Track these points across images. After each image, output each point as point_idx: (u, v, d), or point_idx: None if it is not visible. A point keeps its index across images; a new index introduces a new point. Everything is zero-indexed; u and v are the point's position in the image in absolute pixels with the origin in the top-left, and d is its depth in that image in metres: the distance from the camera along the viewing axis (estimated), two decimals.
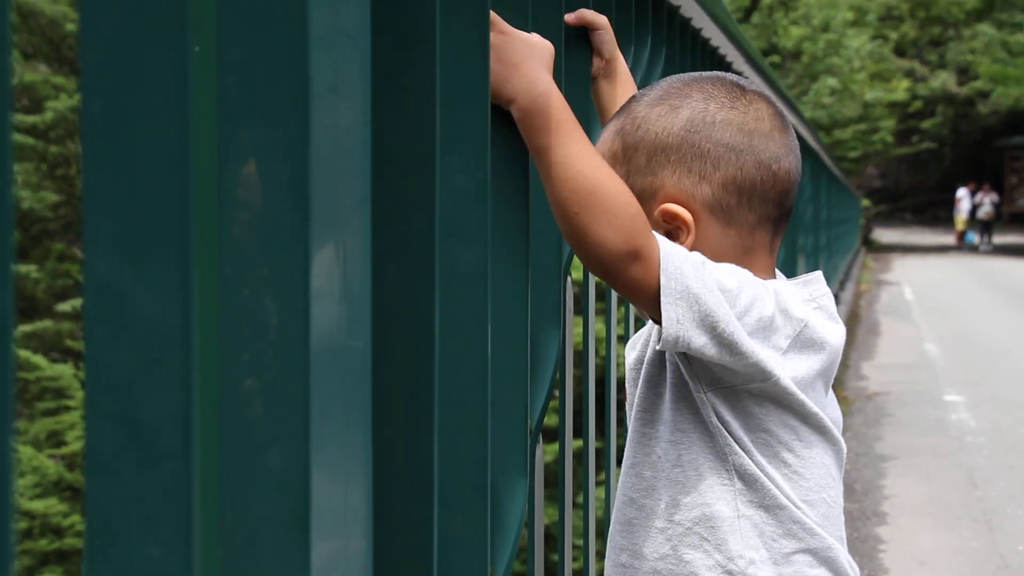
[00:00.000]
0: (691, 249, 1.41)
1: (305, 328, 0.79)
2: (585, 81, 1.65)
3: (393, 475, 1.02)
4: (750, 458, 1.41)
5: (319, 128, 0.83)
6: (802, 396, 1.41)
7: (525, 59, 1.33)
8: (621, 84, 1.67)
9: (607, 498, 2.21)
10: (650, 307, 1.34)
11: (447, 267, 1.11)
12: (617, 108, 1.64)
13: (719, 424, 1.41)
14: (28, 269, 12.74)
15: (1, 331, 0.55)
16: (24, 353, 11.77)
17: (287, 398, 0.78)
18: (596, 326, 4.63)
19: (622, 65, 1.68)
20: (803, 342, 1.41)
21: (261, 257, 0.81)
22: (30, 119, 12.75)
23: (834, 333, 1.45)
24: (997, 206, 30.88)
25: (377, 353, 1.00)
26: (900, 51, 31.41)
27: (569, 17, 1.60)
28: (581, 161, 1.32)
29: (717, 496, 1.42)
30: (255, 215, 0.82)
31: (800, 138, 1.53)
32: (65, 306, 12.33)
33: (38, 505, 10.38)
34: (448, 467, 1.11)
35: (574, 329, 1.95)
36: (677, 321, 1.32)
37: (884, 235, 31.54)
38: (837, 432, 1.47)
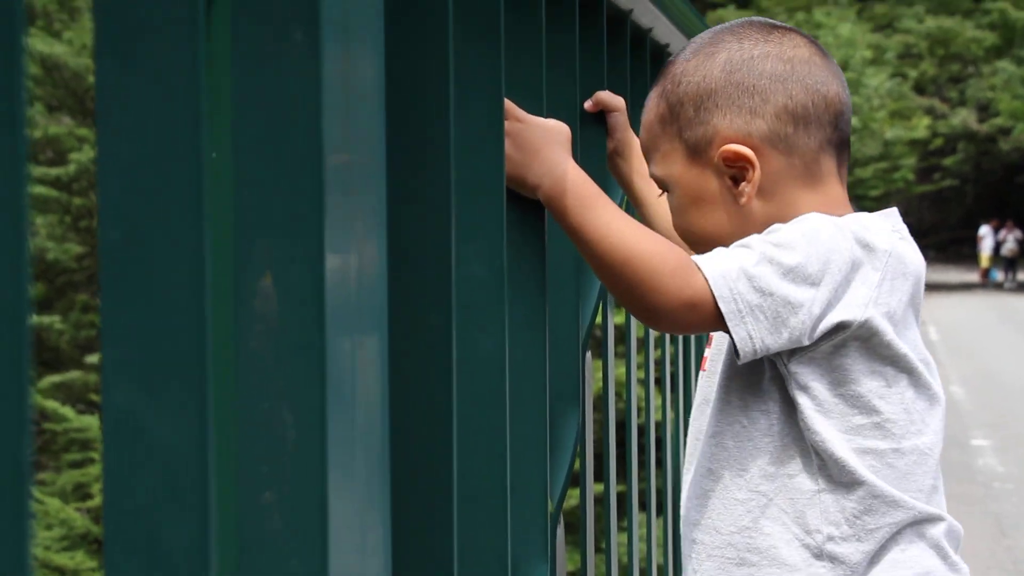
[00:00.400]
0: (759, 186, 1.43)
1: (322, 438, 0.80)
2: (601, 153, 1.66)
3: (413, 571, 1.02)
4: (833, 430, 1.38)
5: (334, 239, 0.84)
6: (890, 336, 1.38)
7: (544, 145, 1.35)
8: (636, 159, 1.69)
9: (629, 543, 2.20)
10: (723, 331, 1.36)
11: (464, 358, 1.12)
12: (634, 182, 1.65)
13: (802, 393, 1.38)
14: (52, 320, 12.81)
15: (17, 368, 0.56)
16: (51, 404, 11.82)
17: (305, 509, 0.79)
18: (617, 369, 4.62)
19: (636, 142, 1.70)
20: (892, 272, 1.39)
21: (277, 369, 0.82)
22: (54, 171, 12.85)
23: (917, 259, 1.44)
24: (1021, 243, 30.75)
25: (395, 449, 1.01)
26: (920, 88, 31.42)
27: (588, 104, 1.62)
28: (612, 233, 1.34)
29: (799, 468, 1.40)
30: (271, 327, 0.83)
31: None
32: (92, 358, 12.39)
33: (65, 559, 10.39)
34: (468, 559, 1.11)
35: (595, 374, 1.95)
36: (750, 338, 1.34)
37: None
38: (930, 374, 1.44)
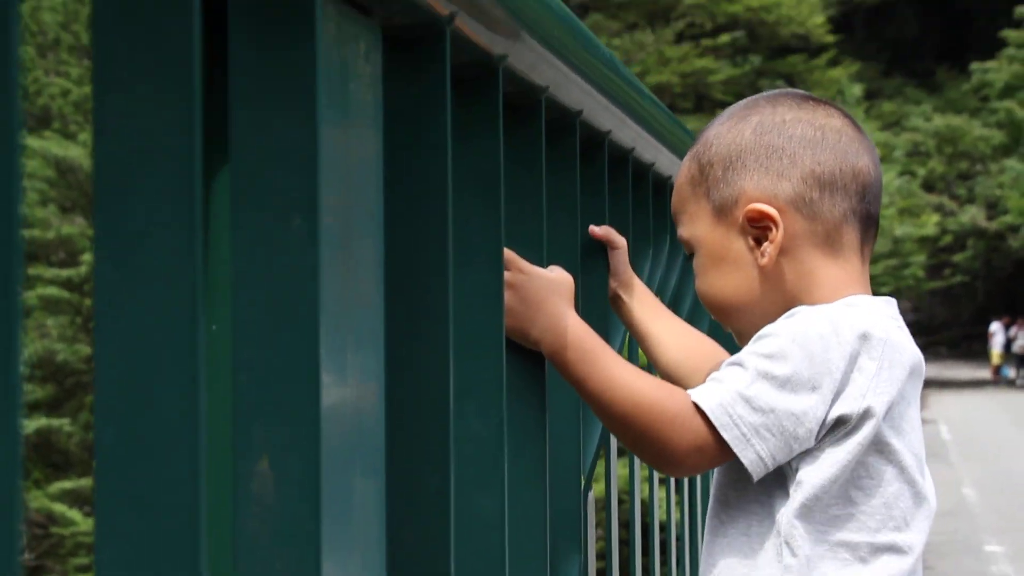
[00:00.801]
0: (780, 248, 1.43)
1: None
2: (603, 299, 1.67)
3: None
4: (812, 523, 1.37)
5: (331, 425, 0.84)
6: (883, 428, 1.37)
7: (547, 297, 1.37)
8: (638, 297, 1.70)
9: None
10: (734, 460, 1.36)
11: (463, 519, 1.12)
12: (637, 320, 1.66)
13: (797, 488, 1.37)
14: (62, 423, 12.79)
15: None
16: (59, 508, 11.76)
17: None
18: (619, 471, 4.57)
19: (636, 281, 1.71)
20: (889, 361, 1.38)
21: (273, 553, 0.82)
22: (65, 272, 12.91)
23: (913, 349, 1.43)
24: None
25: None
26: (928, 186, 31.55)
27: (596, 230, 1.64)
28: (615, 386, 1.36)
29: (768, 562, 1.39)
30: (268, 511, 0.83)
31: None
32: None
33: None
34: None
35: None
36: (760, 459, 1.34)
37: None
38: (919, 473, 1.42)
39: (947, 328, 40.56)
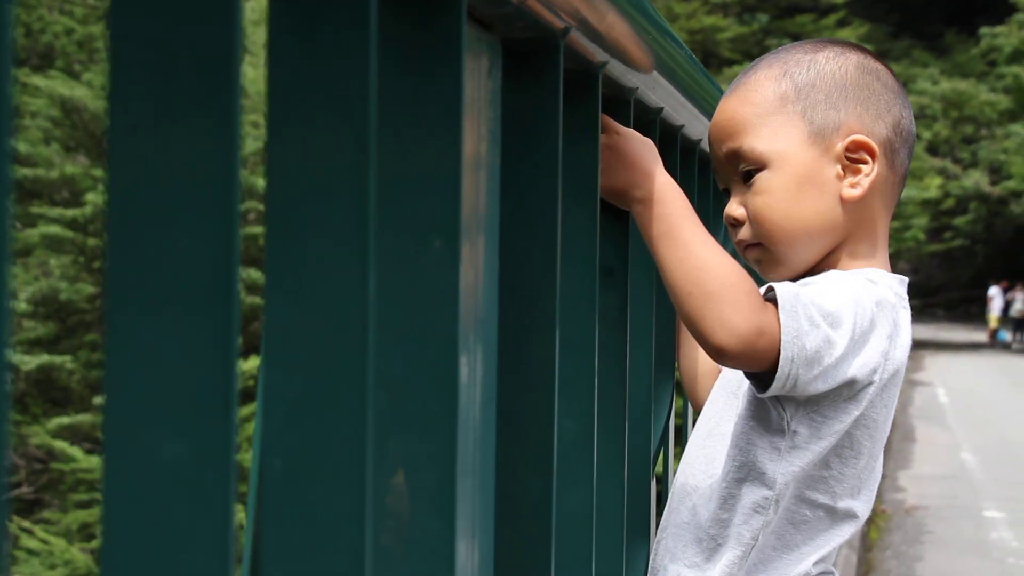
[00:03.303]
0: (871, 183, 1.46)
1: None
2: None
3: None
4: (797, 476, 1.42)
5: (463, 438, 0.87)
6: (876, 402, 1.42)
7: (643, 156, 1.41)
8: None
9: None
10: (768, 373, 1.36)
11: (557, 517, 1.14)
12: None
13: (790, 438, 1.42)
14: (63, 360, 12.83)
15: None
16: (59, 444, 11.82)
17: None
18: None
19: None
20: (896, 341, 1.43)
21: (407, 565, 0.84)
22: (70, 212, 12.90)
23: (909, 337, 1.47)
24: None
25: None
26: (932, 149, 31.51)
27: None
28: (695, 243, 1.37)
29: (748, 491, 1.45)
30: (403, 524, 0.85)
31: None
32: (100, 398, 12.38)
33: None
34: None
35: None
36: (787, 377, 1.33)
37: (916, 331, 31.21)
38: (882, 445, 1.47)
39: (945, 291, 40.64)
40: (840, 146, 1.46)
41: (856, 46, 1.56)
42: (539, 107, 1.04)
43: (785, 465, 1.41)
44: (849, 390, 1.39)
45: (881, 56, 1.56)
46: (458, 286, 0.83)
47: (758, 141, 1.47)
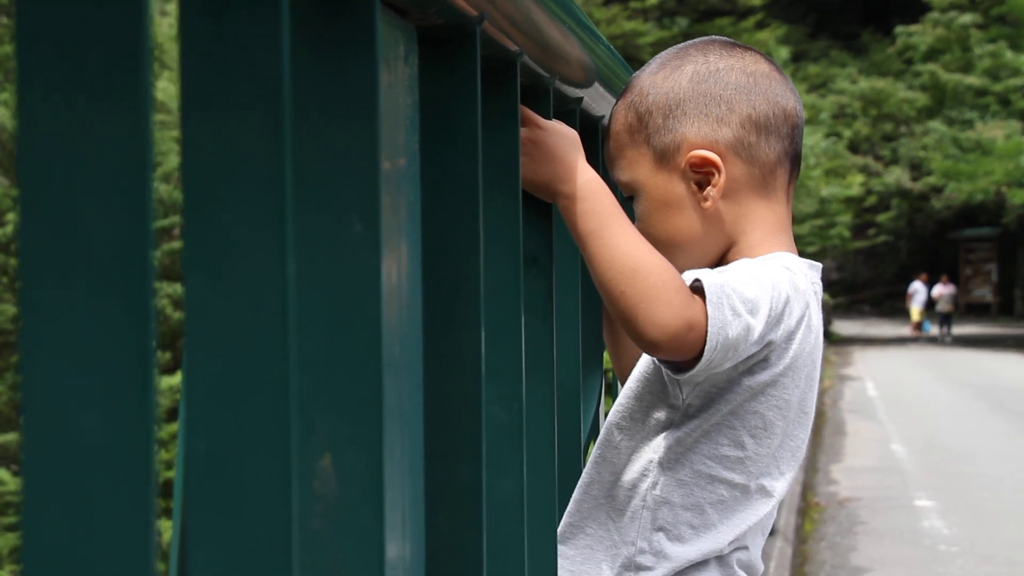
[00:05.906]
0: (723, 191, 1.49)
1: None
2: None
3: None
4: (701, 455, 1.46)
5: (389, 420, 0.87)
6: (786, 378, 1.45)
7: (566, 150, 1.42)
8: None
9: None
10: (694, 366, 1.38)
11: (488, 503, 1.14)
12: None
13: (691, 420, 1.45)
14: None
15: None
16: None
17: None
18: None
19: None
20: (806, 317, 1.46)
21: (337, 549, 0.84)
22: None
23: (820, 319, 1.50)
24: (955, 298, 31.17)
25: None
26: (854, 147, 31.85)
27: None
28: (626, 242, 1.39)
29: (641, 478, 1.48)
30: (331, 508, 0.85)
31: None
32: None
33: None
34: None
35: None
36: (708, 364, 1.37)
37: (843, 327, 31.77)
38: (801, 427, 1.50)
39: (870, 287, 41.11)
40: (683, 164, 1.51)
41: (704, 44, 1.57)
42: (457, 94, 1.04)
43: (674, 431, 1.46)
44: (744, 364, 1.43)
45: (759, 48, 1.58)
46: (380, 269, 0.84)
47: (620, 173, 1.56)
